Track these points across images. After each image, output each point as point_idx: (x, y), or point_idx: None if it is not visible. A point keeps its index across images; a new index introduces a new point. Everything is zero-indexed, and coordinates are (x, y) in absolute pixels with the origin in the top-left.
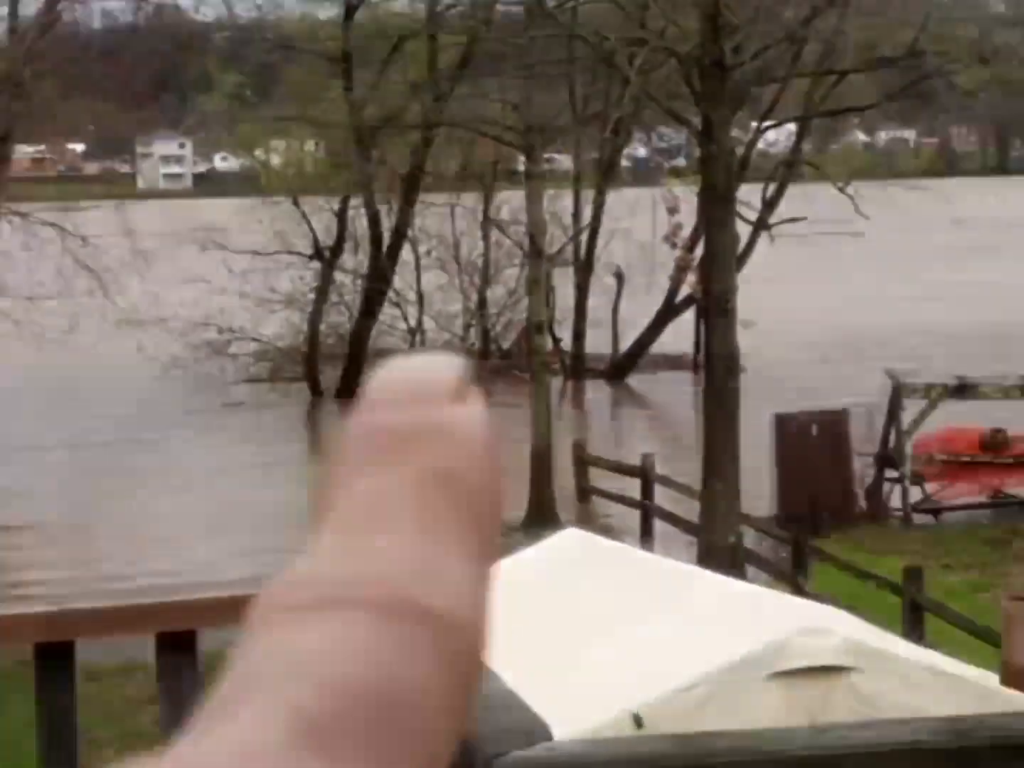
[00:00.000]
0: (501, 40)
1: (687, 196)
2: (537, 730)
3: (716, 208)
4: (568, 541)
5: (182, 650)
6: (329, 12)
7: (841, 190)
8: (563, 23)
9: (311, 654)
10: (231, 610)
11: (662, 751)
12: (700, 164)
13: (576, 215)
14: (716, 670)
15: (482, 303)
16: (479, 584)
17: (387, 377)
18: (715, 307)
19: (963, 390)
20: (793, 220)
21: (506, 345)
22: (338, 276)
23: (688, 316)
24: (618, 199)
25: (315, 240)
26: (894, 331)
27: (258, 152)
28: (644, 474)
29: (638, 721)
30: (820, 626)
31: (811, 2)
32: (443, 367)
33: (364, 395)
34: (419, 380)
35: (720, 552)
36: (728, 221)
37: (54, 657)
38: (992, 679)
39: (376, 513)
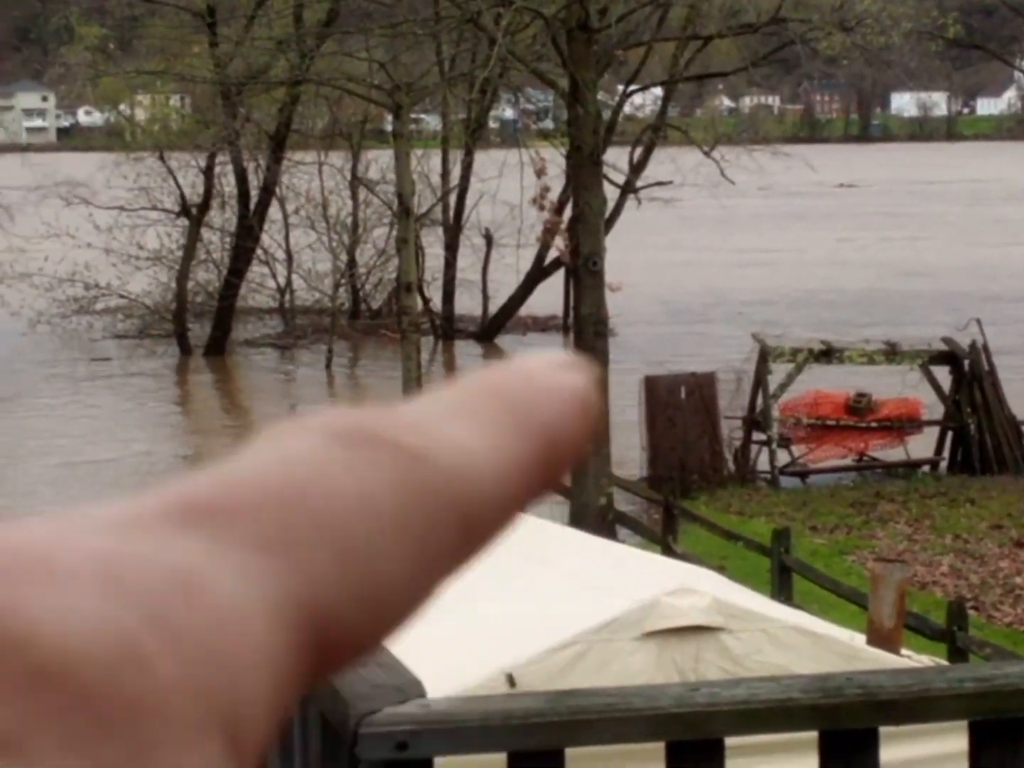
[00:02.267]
0: None
1: (556, 158)
2: (409, 686)
3: (584, 170)
4: None
5: None
6: None
7: (707, 154)
8: None
9: (235, 462)
10: None
11: (534, 708)
12: (568, 126)
13: (444, 175)
14: (588, 630)
15: (351, 262)
16: (492, 453)
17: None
18: (583, 269)
19: (828, 354)
20: (659, 184)
21: (376, 305)
22: (206, 233)
23: (558, 278)
24: (487, 160)
25: (182, 197)
26: (747, 295)
27: (123, 107)
28: None
29: (511, 680)
30: (690, 586)
31: None
32: (553, 354)
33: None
34: (525, 359)
35: (591, 513)
36: (596, 183)
37: None
38: (859, 639)
39: (430, 404)
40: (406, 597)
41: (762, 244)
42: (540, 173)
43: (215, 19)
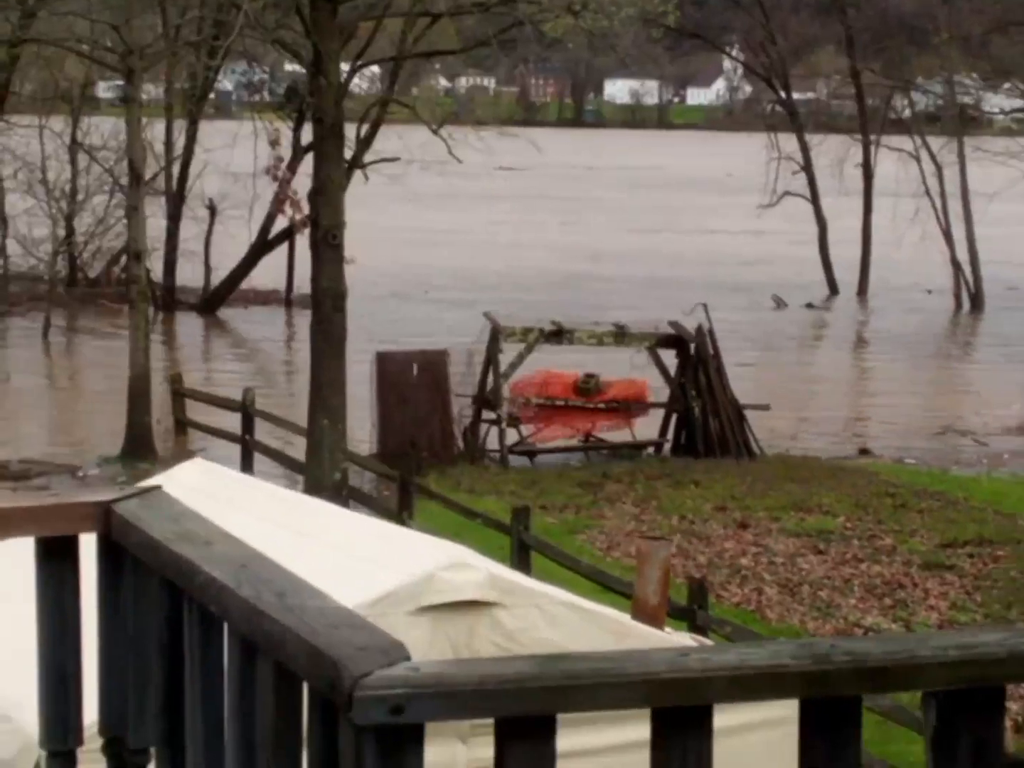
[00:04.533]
0: None
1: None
2: (393, 649)
3: (326, 142)
4: (195, 472)
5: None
6: None
7: (435, 132)
8: None
9: None
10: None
11: (527, 672)
12: (310, 96)
13: (168, 144)
14: (362, 604)
15: (70, 230)
16: None
17: None
18: (324, 242)
19: (559, 335)
20: (387, 160)
21: (93, 274)
22: None
23: (282, 251)
24: (210, 130)
25: None
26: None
27: None
28: (245, 409)
29: None
30: (465, 561)
31: None
32: None
33: None
34: None
35: (325, 489)
36: (337, 156)
37: None
38: (617, 616)
39: None
40: None
41: (438, 224)
42: (275, 144)
43: None
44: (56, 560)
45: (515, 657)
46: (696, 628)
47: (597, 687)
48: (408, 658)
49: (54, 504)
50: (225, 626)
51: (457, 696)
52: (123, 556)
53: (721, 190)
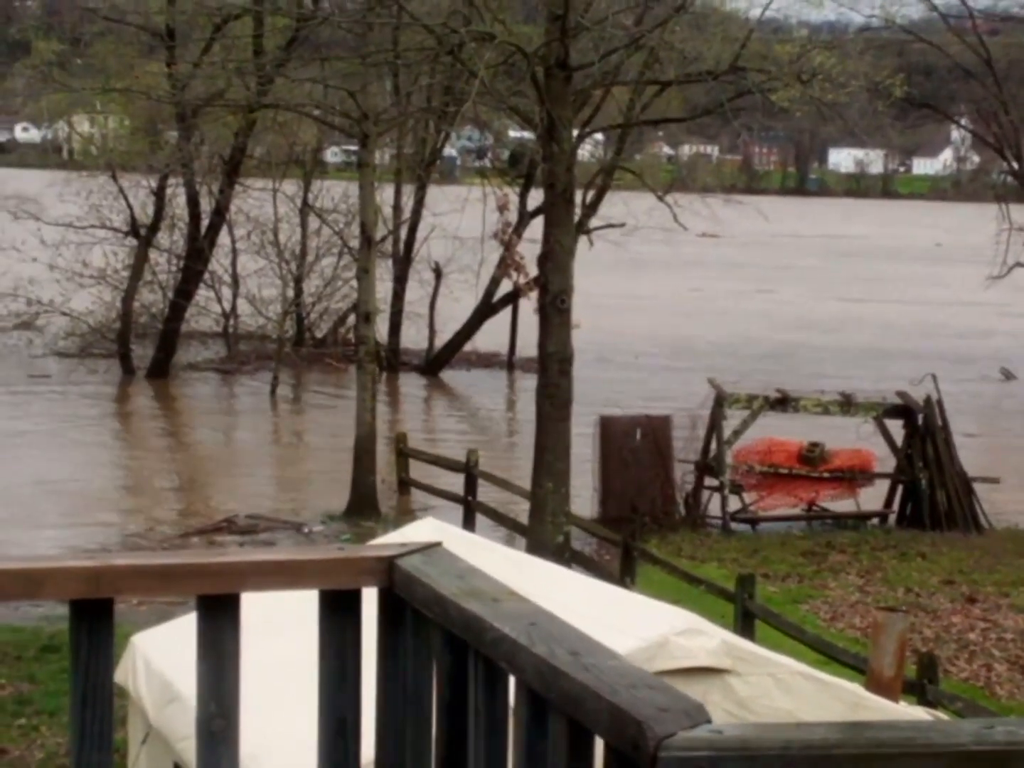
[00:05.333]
0: (339, 25)
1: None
2: (695, 711)
3: (556, 208)
4: (428, 531)
5: (224, 613)
6: None
7: (660, 199)
8: (409, 12)
9: None
10: (276, 574)
11: (832, 739)
12: (543, 163)
13: (396, 208)
14: None
15: (299, 291)
16: None
17: None
18: (551, 307)
19: (784, 403)
20: (613, 226)
21: (319, 333)
22: (152, 254)
23: (504, 314)
24: (439, 195)
25: (132, 217)
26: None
27: (62, 124)
28: (468, 470)
29: None
30: (699, 628)
31: (643, 8)
32: None
33: None
34: None
35: (548, 551)
36: (568, 221)
37: (91, 614)
38: (852, 687)
39: None
40: None
41: (640, 289)
42: (503, 209)
43: (174, 39)
44: (339, 612)
45: (818, 723)
46: (926, 702)
47: (902, 756)
48: (709, 720)
49: (339, 557)
50: (511, 683)
51: (760, 760)
52: (404, 611)
53: (929, 260)
